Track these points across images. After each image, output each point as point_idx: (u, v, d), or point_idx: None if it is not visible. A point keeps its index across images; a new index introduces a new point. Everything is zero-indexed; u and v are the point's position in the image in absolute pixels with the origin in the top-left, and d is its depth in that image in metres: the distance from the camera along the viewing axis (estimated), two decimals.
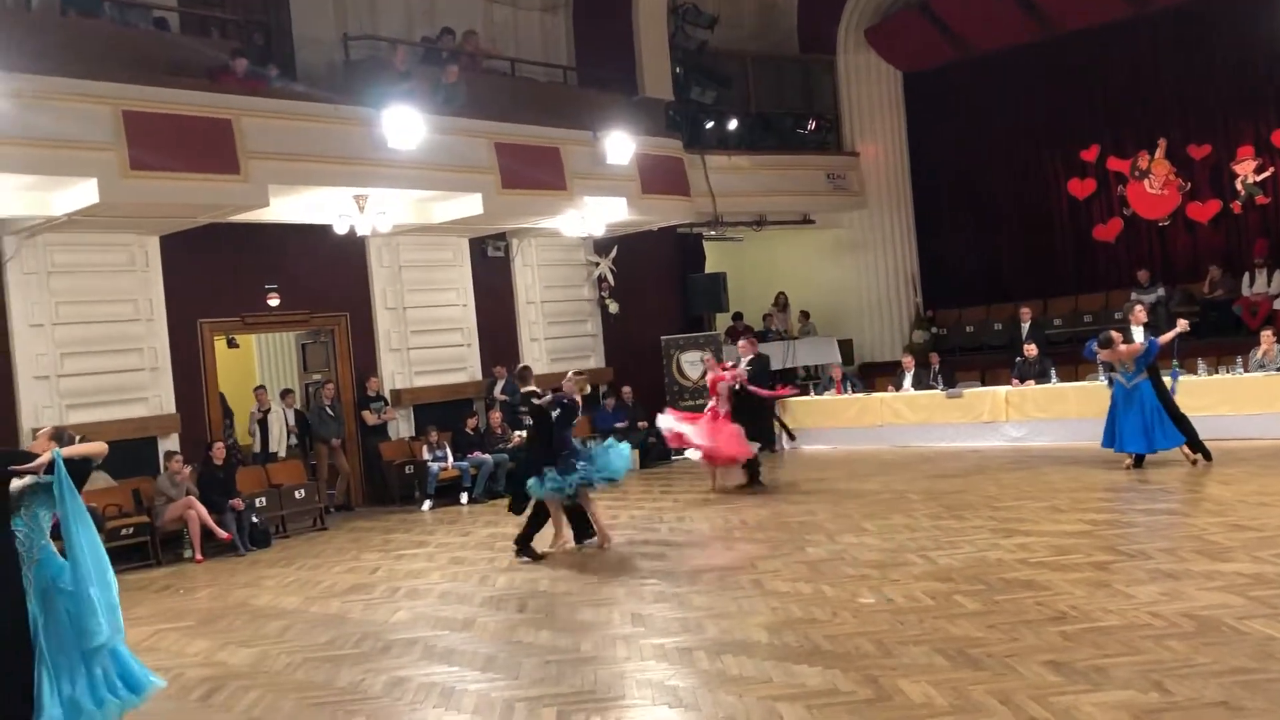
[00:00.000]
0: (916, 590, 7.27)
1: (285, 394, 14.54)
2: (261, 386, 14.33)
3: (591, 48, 17.51)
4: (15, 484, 4.96)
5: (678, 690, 5.74)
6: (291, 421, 14.15)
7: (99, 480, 11.82)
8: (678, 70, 17.98)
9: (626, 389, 16.92)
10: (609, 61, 17.21)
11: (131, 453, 12.22)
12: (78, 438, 5.49)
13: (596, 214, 15.15)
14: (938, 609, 6.76)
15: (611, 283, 17.43)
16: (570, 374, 10.68)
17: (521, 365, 11.33)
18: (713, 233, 18.67)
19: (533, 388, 10.34)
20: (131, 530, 11.53)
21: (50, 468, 4.92)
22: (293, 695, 6.31)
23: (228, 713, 6.13)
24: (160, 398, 12.77)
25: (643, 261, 17.60)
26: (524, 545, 9.84)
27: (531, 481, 9.84)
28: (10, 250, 11.74)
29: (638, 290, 17.60)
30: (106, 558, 5.13)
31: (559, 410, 9.89)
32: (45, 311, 11.94)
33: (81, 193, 10.66)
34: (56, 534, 5.17)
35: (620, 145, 14.84)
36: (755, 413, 12.86)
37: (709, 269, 18.74)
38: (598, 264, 17.42)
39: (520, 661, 6.55)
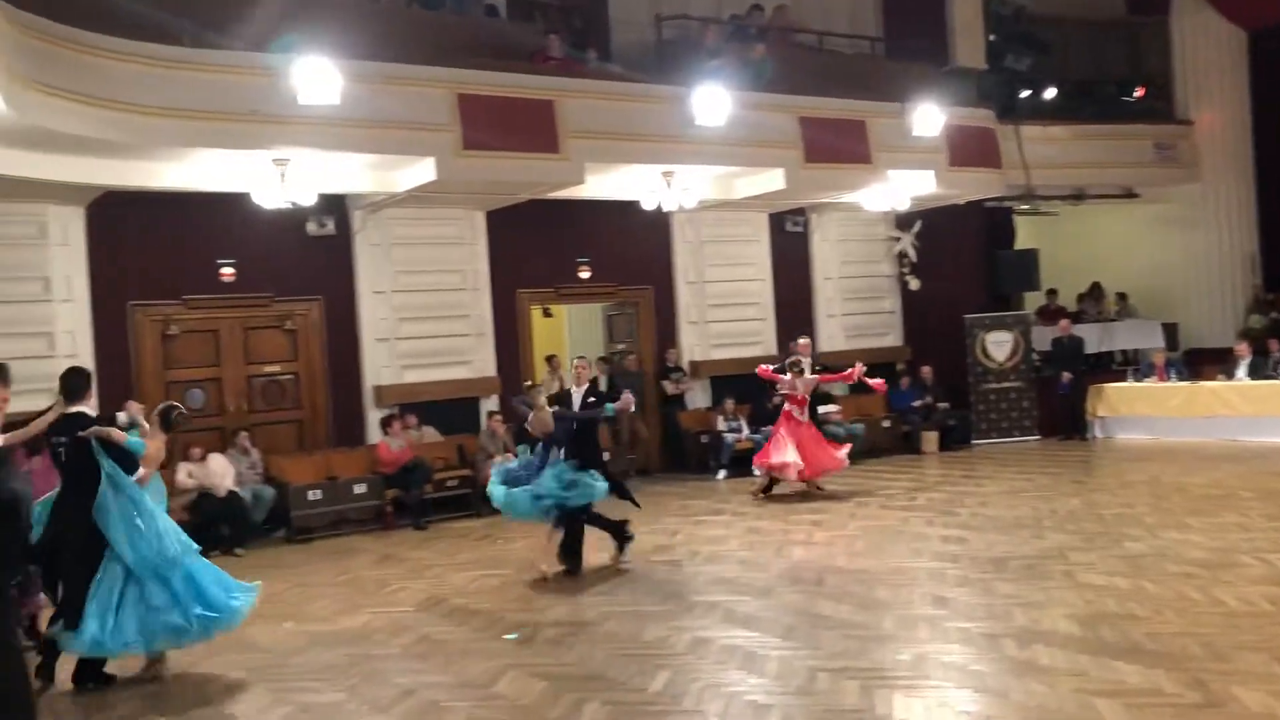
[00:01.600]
0: (1252, 594, 6.73)
1: (601, 360, 15.25)
2: (553, 355, 15.04)
3: (900, 18, 17.05)
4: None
5: (983, 676, 5.62)
6: (604, 387, 14.77)
7: (429, 435, 12.93)
8: (991, 38, 17.19)
9: (925, 369, 16.50)
10: (918, 32, 16.68)
11: (456, 411, 13.31)
12: (174, 412, 7.19)
13: (901, 188, 14.83)
14: (1278, 615, 6.23)
15: (914, 259, 17.02)
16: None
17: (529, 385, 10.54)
18: (1025, 207, 17.78)
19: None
20: (455, 482, 12.50)
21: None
22: (604, 645, 6.67)
23: (544, 656, 6.56)
24: (483, 361, 13.72)
25: (946, 237, 16.99)
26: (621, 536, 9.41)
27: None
28: (358, 223, 12.96)
29: (940, 267, 17.02)
30: (153, 506, 6.55)
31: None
32: (386, 279, 13.10)
33: (421, 170, 11.57)
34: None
35: (929, 117, 14.38)
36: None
37: (1019, 245, 17.88)
38: (899, 239, 17.05)
39: (820, 633, 6.61)
